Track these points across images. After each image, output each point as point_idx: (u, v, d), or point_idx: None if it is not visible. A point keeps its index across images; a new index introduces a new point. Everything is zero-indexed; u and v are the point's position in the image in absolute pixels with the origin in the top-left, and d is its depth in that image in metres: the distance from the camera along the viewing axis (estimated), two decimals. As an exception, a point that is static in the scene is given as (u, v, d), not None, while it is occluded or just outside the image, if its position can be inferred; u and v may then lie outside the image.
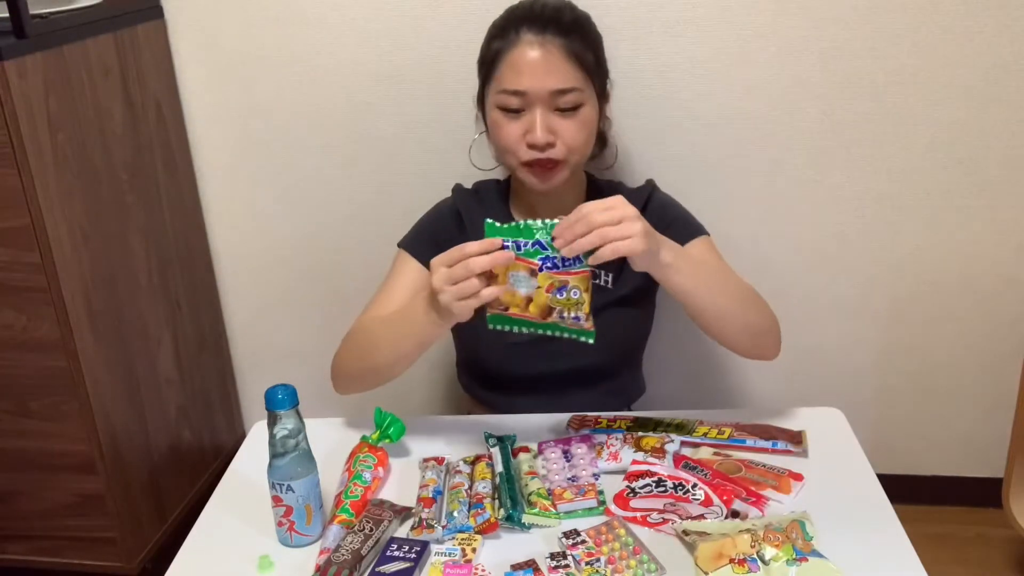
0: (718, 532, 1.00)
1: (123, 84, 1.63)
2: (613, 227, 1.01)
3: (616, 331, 1.37)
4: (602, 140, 1.41)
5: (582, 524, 1.06)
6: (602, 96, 1.32)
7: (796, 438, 1.22)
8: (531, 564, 1.00)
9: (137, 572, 1.69)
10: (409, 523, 1.09)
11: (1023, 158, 1.65)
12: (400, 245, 1.39)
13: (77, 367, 1.52)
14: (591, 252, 1.03)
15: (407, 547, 1.02)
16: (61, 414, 1.56)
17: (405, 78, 1.71)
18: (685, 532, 1.02)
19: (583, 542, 1.02)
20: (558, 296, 1.05)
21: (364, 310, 1.33)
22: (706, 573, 0.94)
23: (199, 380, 1.91)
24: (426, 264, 1.34)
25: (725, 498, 1.07)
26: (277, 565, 1.05)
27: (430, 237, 1.38)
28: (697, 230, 1.35)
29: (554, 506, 1.09)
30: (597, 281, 1.34)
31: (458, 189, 1.44)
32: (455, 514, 1.07)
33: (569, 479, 1.14)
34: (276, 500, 1.06)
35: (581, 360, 1.38)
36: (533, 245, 1.04)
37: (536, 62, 1.23)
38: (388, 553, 1.02)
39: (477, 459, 1.19)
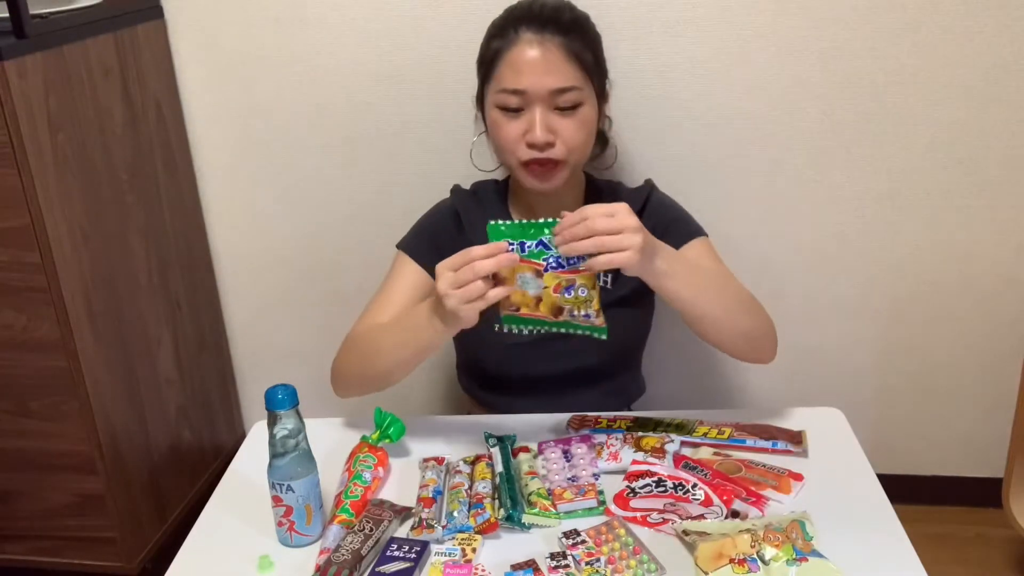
0: (718, 532, 1.00)
1: (123, 84, 1.63)
2: (611, 237, 1.01)
3: (615, 331, 1.36)
4: (603, 140, 1.41)
5: (582, 524, 1.06)
6: (601, 96, 1.32)
7: (796, 438, 1.22)
8: (531, 564, 1.00)
9: (137, 572, 1.69)
10: (409, 523, 1.09)
11: (1023, 158, 1.65)
12: (399, 246, 1.39)
13: (77, 367, 1.52)
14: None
15: (407, 547, 1.02)
16: (61, 414, 1.56)
17: (405, 78, 1.71)
18: (685, 532, 1.02)
19: (583, 542, 1.02)
20: (566, 295, 1.06)
21: (363, 312, 1.33)
22: (706, 573, 0.94)
23: (199, 380, 1.91)
24: (425, 265, 1.34)
25: (725, 498, 1.07)
26: (277, 565, 1.05)
27: (429, 238, 1.38)
28: (695, 231, 1.35)
29: (554, 506, 1.09)
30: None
31: (456, 190, 1.44)
32: (455, 514, 1.07)
33: (569, 479, 1.14)
34: (276, 500, 1.06)
35: (581, 361, 1.38)
36: (537, 246, 1.04)
37: (535, 61, 1.23)
38: (388, 553, 1.02)
39: (477, 459, 1.19)
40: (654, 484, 1.10)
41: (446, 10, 1.65)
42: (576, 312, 1.06)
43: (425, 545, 1.03)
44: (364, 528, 1.05)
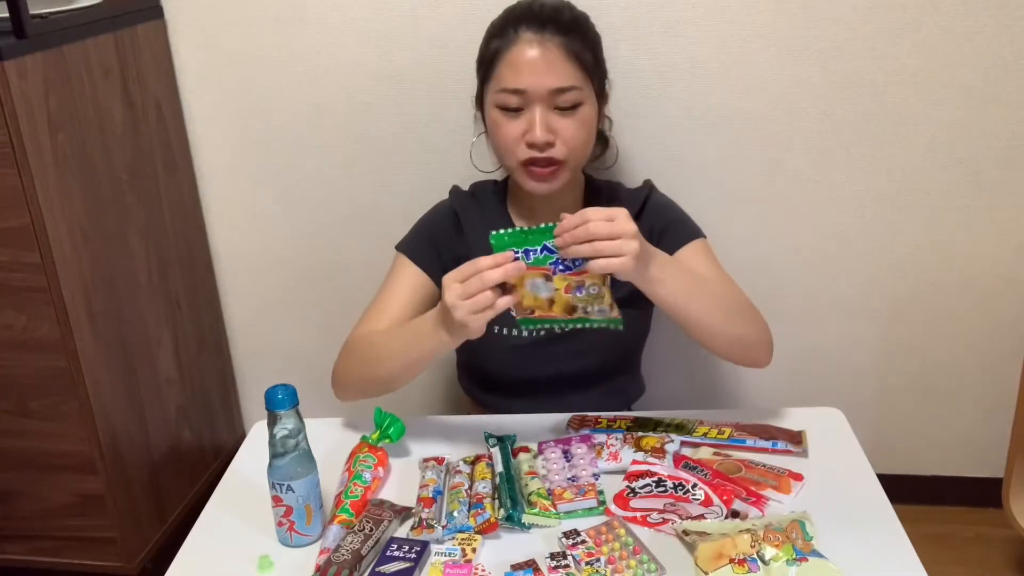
0: (718, 532, 1.00)
1: (123, 84, 1.63)
2: (609, 242, 1.01)
3: (612, 334, 1.37)
4: (603, 141, 1.41)
5: (582, 524, 1.06)
6: (601, 96, 1.32)
7: (796, 438, 1.22)
8: (531, 564, 1.00)
9: (137, 572, 1.69)
10: (409, 523, 1.09)
11: (1023, 158, 1.65)
12: (398, 248, 1.39)
13: (77, 367, 1.52)
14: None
15: (407, 547, 1.02)
16: (61, 414, 1.56)
17: (405, 78, 1.71)
18: (685, 532, 1.02)
19: (583, 542, 1.02)
20: (578, 294, 1.06)
21: (363, 315, 1.33)
22: (706, 573, 0.94)
23: (199, 380, 1.91)
24: (424, 267, 1.34)
25: (725, 498, 1.07)
26: (277, 565, 1.05)
27: (428, 240, 1.38)
28: (694, 233, 1.35)
29: (554, 506, 1.09)
30: None
31: (455, 191, 1.44)
32: (455, 514, 1.07)
33: (569, 479, 1.14)
34: (276, 500, 1.06)
35: (580, 362, 1.38)
36: (542, 251, 1.04)
37: (535, 61, 1.23)
38: (388, 553, 1.02)
39: (477, 459, 1.19)
40: (654, 484, 1.10)
41: (446, 10, 1.65)
42: (590, 308, 1.07)
43: (425, 545, 1.03)
44: (364, 528, 1.05)
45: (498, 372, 1.42)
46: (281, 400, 1.03)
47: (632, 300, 1.37)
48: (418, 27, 1.67)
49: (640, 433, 1.23)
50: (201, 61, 1.76)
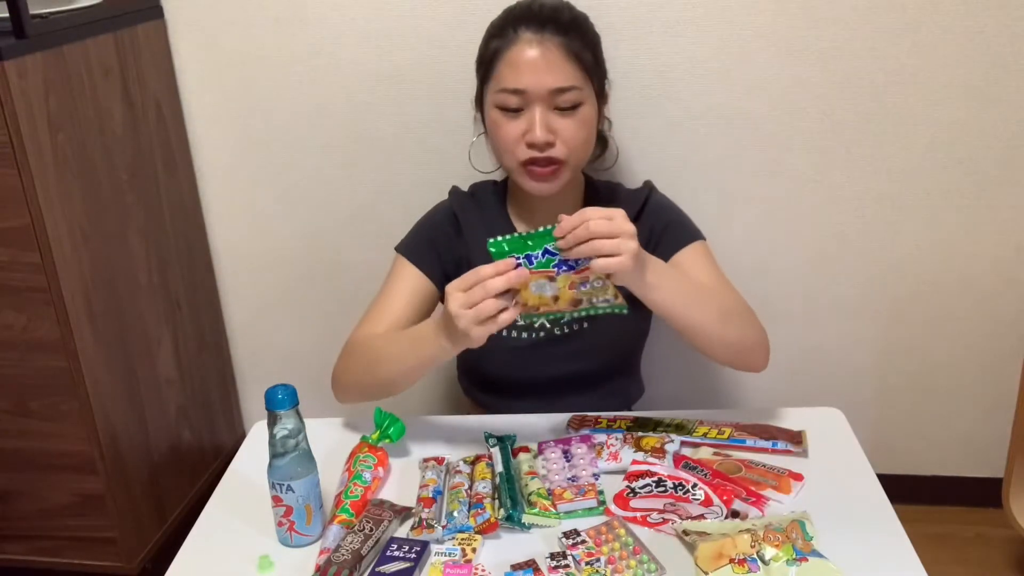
0: (718, 532, 1.00)
1: (123, 84, 1.63)
2: (608, 241, 1.01)
3: (613, 335, 1.37)
4: (603, 142, 1.41)
5: (582, 524, 1.06)
6: (601, 96, 1.32)
7: (796, 438, 1.22)
8: (531, 564, 1.00)
9: (137, 572, 1.69)
10: (409, 523, 1.09)
11: (1023, 158, 1.65)
12: (397, 249, 1.39)
13: (77, 367, 1.52)
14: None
15: (407, 547, 1.02)
16: (61, 414, 1.56)
17: (405, 78, 1.71)
18: (685, 532, 1.02)
19: (583, 542, 1.02)
20: (582, 288, 1.06)
21: (363, 317, 1.33)
22: (706, 573, 0.94)
23: (199, 380, 1.91)
24: (423, 269, 1.34)
25: (725, 498, 1.07)
26: (277, 565, 1.05)
27: (427, 241, 1.38)
28: (693, 235, 1.34)
29: (554, 506, 1.09)
30: None
31: (455, 192, 1.44)
32: (455, 514, 1.07)
33: (569, 479, 1.14)
34: (276, 500, 1.06)
35: (580, 364, 1.38)
36: (543, 255, 1.04)
37: (535, 60, 1.23)
38: (388, 553, 1.02)
39: (477, 459, 1.19)
40: (654, 484, 1.10)
41: (446, 10, 1.65)
42: (595, 299, 1.07)
43: (425, 545, 1.03)
44: (364, 528, 1.05)
45: (498, 373, 1.42)
46: (281, 400, 1.03)
47: (631, 303, 1.37)
48: (418, 27, 1.67)
49: (640, 433, 1.23)
50: (201, 61, 1.76)
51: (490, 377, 1.44)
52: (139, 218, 1.69)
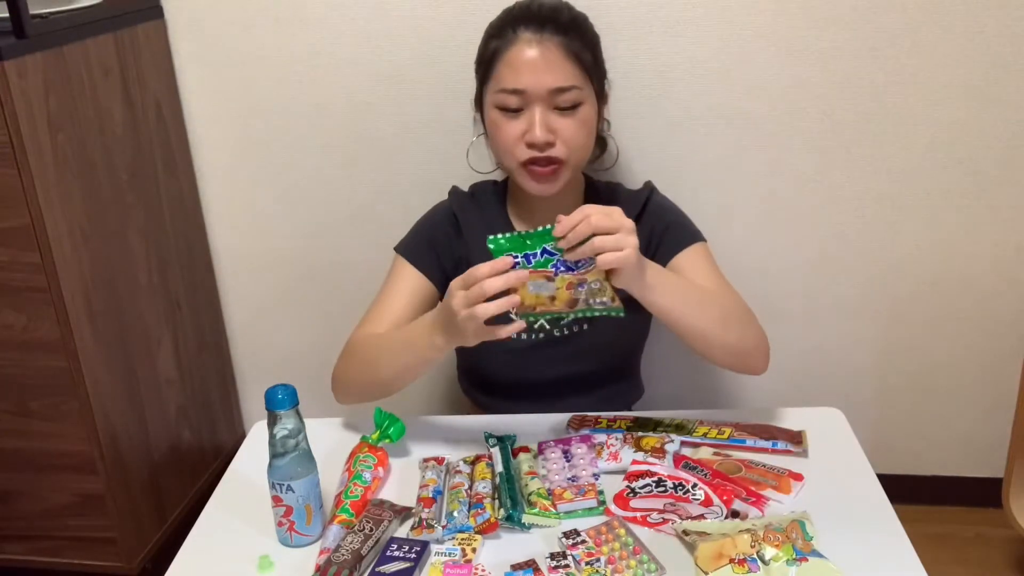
0: (718, 532, 1.00)
1: (123, 84, 1.63)
2: (609, 237, 1.02)
3: (611, 337, 1.37)
4: (601, 143, 1.41)
5: (582, 524, 1.06)
6: (600, 96, 1.32)
7: (796, 438, 1.22)
8: (531, 564, 1.00)
9: (137, 572, 1.69)
10: (409, 523, 1.09)
11: (1023, 158, 1.65)
12: (397, 250, 1.39)
13: (77, 367, 1.52)
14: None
15: (407, 547, 1.02)
16: (61, 414, 1.56)
17: (405, 78, 1.71)
18: (685, 532, 1.02)
19: (583, 542, 1.02)
20: (580, 289, 1.06)
21: (363, 318, 1.33)
22: (706, 573, 0.95)
23: (199, 380, 1.91)
24: (423, 269, 1.34)
25: (725, 498, 1.07)
26: (277, 565, 1.05)
27: (426, 242, 1.38)
28: (693, 236, 1.34)
29: (554, 506, 1.09)
30: None
31: (454, 192, 1.44)
32: (455, 514, 1.07)
33: (569, 479, 1.14)
34: (276, 500, 1.06)
35: (580, 366, 1.38)
36: (542, 255, 1.04)
37: (534, 60, 1.23)
38: (388, 553, 1.02)
39: (477, 459, 1.19)
40: (654, 484, 1.10)
41: (446, 10, 1.65)
42: (591, 301, 1.07)
43: (425, 545, 1.03)
44: (364, 528, 1.05)
45: (497, 374, 1.42)
46: (281, 400, 1.03)
47: (630, 305, 1.37)
48: (418, 27, 1.67)
49: (640, 433, 1.23)
50: (201, 61, 1.76)
51: (490, 378, 1.44)
52: (139, 218, 1.69)
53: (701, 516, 1.06)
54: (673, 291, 1.15)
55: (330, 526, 1.08)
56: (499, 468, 1.14)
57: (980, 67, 1.59)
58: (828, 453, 1.20)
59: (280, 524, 1.07)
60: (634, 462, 1.15)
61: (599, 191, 1.42)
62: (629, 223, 1.04)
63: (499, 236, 1.05)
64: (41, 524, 1.66)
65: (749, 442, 1.21)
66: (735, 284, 1.32)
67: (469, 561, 1.01)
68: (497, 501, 1.10)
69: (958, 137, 1.65)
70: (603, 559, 1.00)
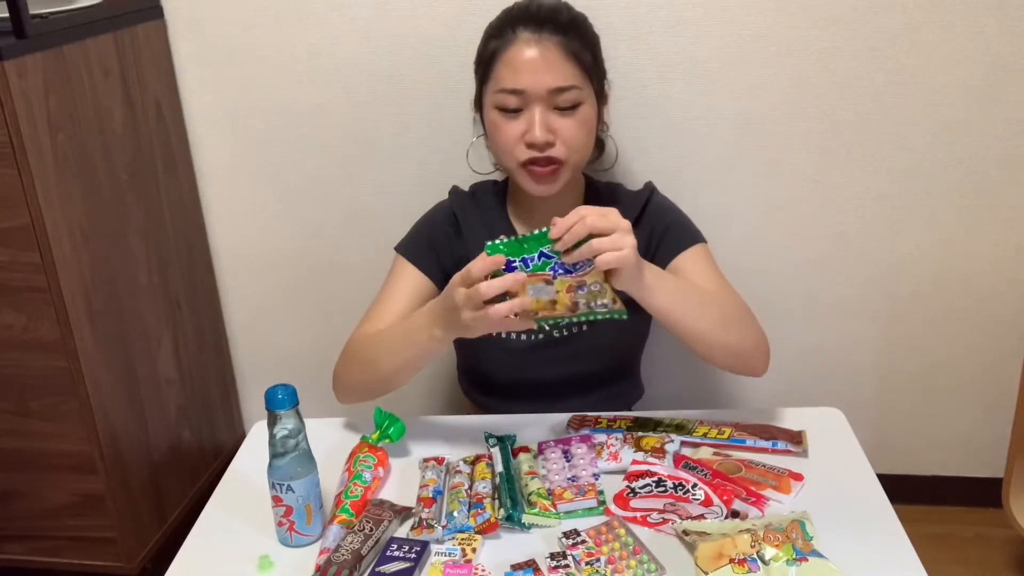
0: (718, 532, 1.00)
1: (123, 84, 1.63)
2: (607, 238, 1.02)
3: (612, 337, 1.37)
4: (599, 145, 1.41)
5: (582, 524, 1.06)
6: (600, 96, 1.31)
7: (796, 438, 1.22)
8: (531, 564, 1.00)
9: (137, 572, 1.69)
10: (409, 523, 1.09)
11: (1023, 158, 1.65)
12: (397, 249, 1.39)
13: (77, 367, 1.52)
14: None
15: (407, 547, 1.02)
16: (61, 414, 1.56)
17: (405, 78, 1.71)
18: (685, 532, 1.02)
19: (583, 542, 1.02)
20: (580, 292, 1.06)
21: (363, 317, 1.33)
22: (706, 573, 0.94)
23: (199, 380, 1.91)
24: (423, 269, 1.34)
25: (725, 498, 1.07)
26: (277, 565, 1.05)
27: (426, 242, 1.38)
28: (694, 237, 1.34)
29: (554, 506, 1.09)
30: None
31: (455, 192, 1.44)
32: (455, 514, 1.07)
33: (569, 479, 1.14)
34: (276, 500, 1.06)
35: (580, 366, 1.38)
36: (539, 258, 1.04)
37: (534, 60, 1.23)
38: (388, 553, 1.02)
39: (477, 459, 1.19)
40: (654, 484, 1.10)
41: (446, 10, 1.65)
42: (592, 304, 1.07)
43: (425, 545, 1.03)
44: (364, 528, 1.05)
45: (497, 375, 1.42)
46: (281, 400, 1.03)
47: (630, 305, 1.37)
48: (418, 27, 1.67)
49: (640, 433, 1.23)
50: (201, 61, 1.76)
51: (490, 378, 1.44)
52: (139, 218, 1.69)
53: (701, 516, 1.06)
54: (673, 292, 1.15)
55: (330, 526, 1.08)
56: (499, 468, 1.14)
57: (980, 67, 1.59)
58: (828, 453, 1.20)
59: (280, 524, 1.07)
60: (634, 462, 1.15)
61: (599, 192, 1.41)
62: (625, 223, 1.04)
63: (496, 241, 1.05)
64: (41, 524, 1.66)
65: (749, 442, 1.21)
66: (735, 284, 1.32)
67: (469, 561, 1.01)
68: (497, 501, 1.09)
69: (958, 137, 1.65)
70: (603, 559, 1.00)
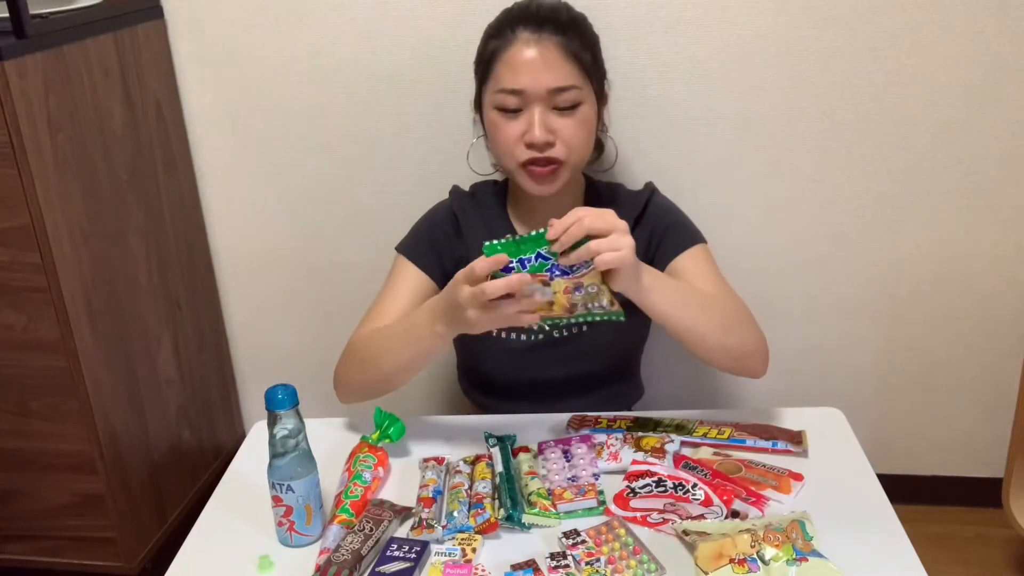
0: (718, 532, 1.00)
1: (123, 84, 1.63)
2: (603, 240, 1.01)
3: (611, 338, 1.37)
4: (599, 147, 1.41)
5: (582, 524, 1.06)
6: (600, 96, 1.31)
7: (796, 438, 1.22)
8: (531, 564, 1.00)
9: (137, 572, 1.69)
10: (409, 523, 1.09)
11: (1023, 158, 1.65)
12: (398, 249, 1.39)
13: (77, 367, 1.52)
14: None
15: (407, 547, 1.02)
16: (61, 414, 1.56)
17: (405, 78, 1.71)
18: (685, 532, 1.02)
19: (583, 542, 1.02)
20: (577, 294, 1.06)
21: (365, 316, 1.33)
22: (706, 573, 0.94)
23: (199, 380, 1.91)
24: (424, 268, 1.34)
25: (725, 498, 1.07)
26: (277, 565, 1.05)
27: (427, 241, 1.38)
28: (694, 238, 1.34)
29: (554, 506, 1.09)
30: None
31: (455, 191, 1.44)
32: (455, 514, 1.07)
33: (569, 479, 1.14)
34: (276, 500, 1.06)
35: (580, 366, 1.38)
36: (536, 259, 1.04)
37: (533, 60, 1.23)
38: (388, 553, 1.02)
39: (477, 459, 1.19)
40: (654, 484, 1.10)
41: (446, 10, 1.65)
42: (590, 305, 1.07)
43: (425, 545, 1.03)
44: (364, 528, 1.05)
45: (497, 375, 1.42)
46: (281, 400, 1.03)
47: (630, 306, 1.37)
48: (418, 27, 1.67)
49: (640, 433, 1.23)
50: (201, 61, 1.76)
51: (489, 379, 1.44)
52: (139, 218, 1.69)
53: (701, 516, 1.06)
54: (671, 295, 1.14)
55: (330, 526, 1.08)
56: (499, 468, 1.14)
57: (980, 67, 1.59)
58: (828, 453, 1.20)
59: (280, 524, 1.07)
60: (634, 462, 1.15)
61: (600, 192, 1.41)
62: (623, 224, 1.04)
63: (494, 241, 1.05)
64: (41, 524, 1.66)
65: (749, 442, 1.21)
66: (735, 284, 1.32)
67: (469, 561, 1.01)
68: (497, 501, 1.09)
69: (958, 137, 1.65)
70: (603, 559, 1.00)
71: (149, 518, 1.75)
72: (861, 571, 0.97)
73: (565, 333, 1.36)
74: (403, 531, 1.08)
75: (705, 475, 1.12)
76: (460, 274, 1.06)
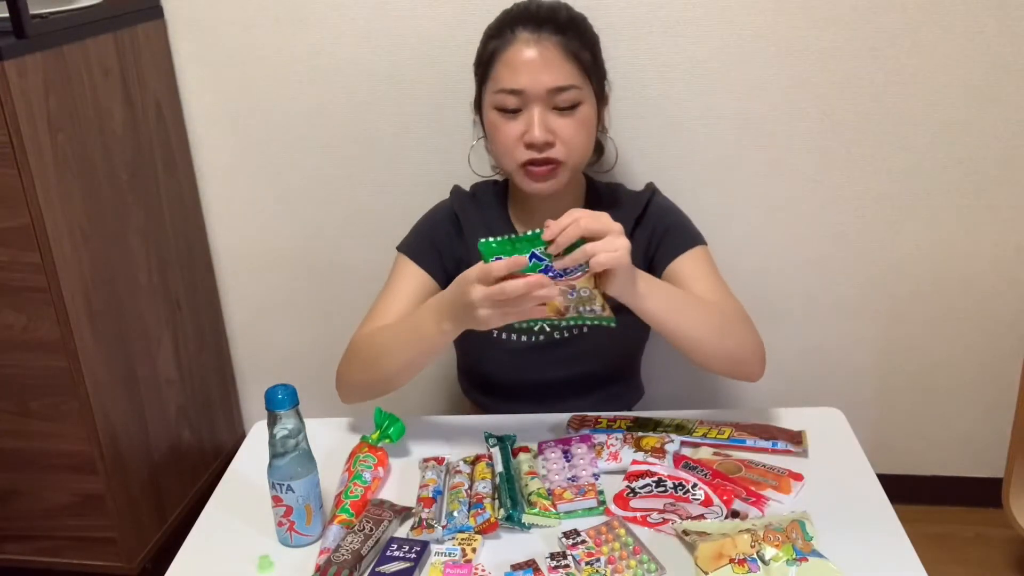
0: (718, 532, 1.00)
1: (123, 84, 1.63)
2: (599, 242, 1.01)
3: (611, 340, 1.37)
4: (599, 149, 1.41)
5: (582, 524, 1.06)
6: (600, 97, 1.31)
7: (796, 438, 1.22)
8: (531, 564, 1.00)
9: (137, 572, 1.69)
10: (409, 523, 1.09)
11: (1023, 158, 1.65)
12: (399, 249, 1.39)
13: (77, 367, 1.52)
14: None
15: (407, 547, 1.02)
16: (61, 414, 1.56)
17: (405, 78, 1.71)
18: (685, 532, 1.02)
19: (583, 542, 1.02)
20: (570, 297, 1.06)
21: (367, 316, 1.33)
22: (706, 573, 0.95)
23: (199, 380, 1.91)
24: (425, 268, 1.34)
25: (725, 498, 1.07)
26: (277, 565, 1.05)
27: (428, 240, 1.38)
28: (694, 239, 1.34)
29: (554, 506, 1.09)
30: None
31: (456, 191, 1.44)
32: (455, 514, 1.07)
33: (569, 479, 1.14)
34: (276, 500, 1.06)
35: (580, 367, 1.38)
36: (531, 259, 1.04)
37: (533, 60, 1.23)
38: (388, 553, 1.02)
39: (477, 459, 1.19)
40: (654, 484, 1.10)
41: (446, 10, 1.65)
42: (582, 309, 1.07)
43: (425, 545, 1.03)
44: (364, 528, 1.05)
45: (497, 376, 1.42)
46: (281, 400, 1.03)
47: (627, 307, 1.37)
48: (418, 27, 1.67)
49: (640, 433, 1.23)
50: (201, 61, 1.76)
51: (490, 379, 1.44)
52: (139, 218, 1.69)
53: (701, 516, 1.06)
54: (666, 299, 1.14)
55: (330, 526, 1.08)
56: (499, 468, 1.14)
57: (980, 67, 1.59)
58: (828, 453, 1.20)
59: (280, 524, 1.07)
60: (634, 462, 1.15)
61: (600, 192, 1.41)
62: (618, 226, 1.04)
63: (490, 240, 1.04)
64: (41, 524, 1.67)
65: (749, 442, 1.21)
66: (735, 284, 1.32)
67: (469, 561, 1.01)
68: (497, 501, 1.09)
69: (958, 137, 1.65)
70: (603, 559, 1.00)
71: (149, 518, 1.75)
72: (861, 571, 0.97)
73: (565, 334, 1.36)
74: (403, 531, 1.08)
75: (705, 475, 1.12)
76: (471, 273, 1.05)
